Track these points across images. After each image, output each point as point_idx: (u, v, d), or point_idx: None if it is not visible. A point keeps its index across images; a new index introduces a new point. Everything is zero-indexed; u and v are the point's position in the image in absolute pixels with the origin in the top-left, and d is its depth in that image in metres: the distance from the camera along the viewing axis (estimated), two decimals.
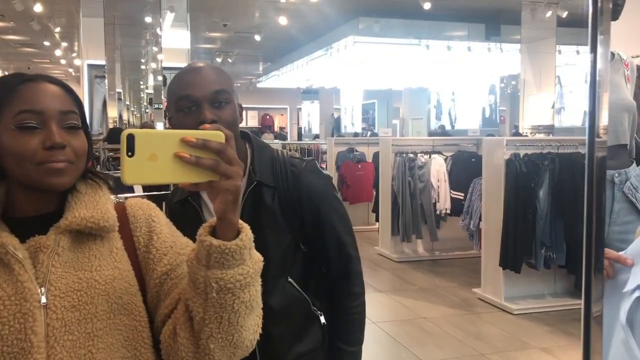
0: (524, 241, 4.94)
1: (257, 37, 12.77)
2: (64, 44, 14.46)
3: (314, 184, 1.57)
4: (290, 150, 1.91)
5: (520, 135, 9.99)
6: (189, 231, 1.17)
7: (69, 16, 11.07)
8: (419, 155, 6.95)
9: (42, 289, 0.99)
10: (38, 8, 9.41)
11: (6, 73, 18.39)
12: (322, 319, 1.61)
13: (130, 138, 0.83)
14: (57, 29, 11.73)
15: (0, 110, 1.02)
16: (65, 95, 1.07)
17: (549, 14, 9.75)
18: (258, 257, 0.99)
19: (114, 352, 1.04)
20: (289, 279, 1.56)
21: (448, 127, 13.75)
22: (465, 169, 6.72)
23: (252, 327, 1.03)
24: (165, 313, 1.09)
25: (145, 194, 3.25)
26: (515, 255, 4.98)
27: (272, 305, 1.50)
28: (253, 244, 0.98)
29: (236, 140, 1.52)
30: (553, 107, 10.06)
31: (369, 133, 15.00)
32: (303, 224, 1.56)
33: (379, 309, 5.23)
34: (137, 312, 1.08)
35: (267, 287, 1.47)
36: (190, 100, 1.41)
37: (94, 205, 1.08)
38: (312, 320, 1.60)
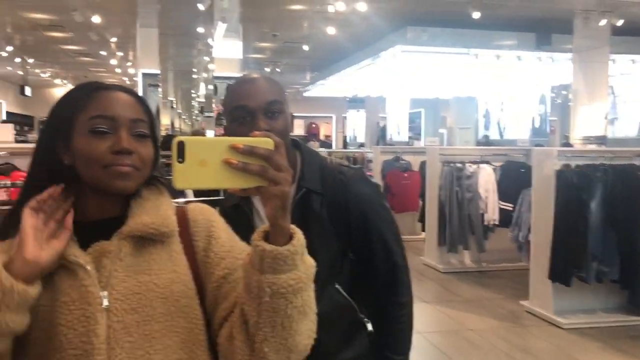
0: (575, 254, 4.84)
1: (305, 47, 12.90)
2: (119, 54, 14.92)
3: (362, 192, 1.59)
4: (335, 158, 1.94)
5: (570, 146, 9.77)
6: (240, 236, 1.21)
7: (125, 27, 11.43)
8: (466, 164, 6.89)
9: (105, 292, 1.02)
10: (96, 19, 9.76)
11: (65, 82, 19.00)
12: (369, 327, 1.62)
13: (181, 145, 0.86)
14: (113, 39, 12.14)
15: (77, 115, 1.08)
16: (136, 104, 1.12)
17: (602, 22, 9.52)
18: (310, 263, 1.00)
19: (171, 353, 1.06)
20: (336, 286, 1.58)
21: (496, 137, 13.55)
22: (515, 179, 6.62)
23: (306, 331, 1.03)
24: (223, 316, 1.10)
25: (197, 199, 3.35)
26: (565, 268, 4.88)
27: (319, 310, 1.54)
28: (305, 249, 0.99)
29: (287, 148, 1.57)
30: (606, 117, 9.81)
31: (414, 142, 14.93)
32: (350, 231, 1.58)
33: (424, 319, 5.21)
34: (194, 315, 1.09)
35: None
36: (245, 111, 1.46)
37: (156, 211, 1.11)
38: (359, 327, 1.62)
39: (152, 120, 1.15)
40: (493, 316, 5.37)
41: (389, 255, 1.61)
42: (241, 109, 1.47)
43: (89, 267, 1.04)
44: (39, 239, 1.00)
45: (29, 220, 1.02)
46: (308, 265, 1.00)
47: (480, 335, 4.84)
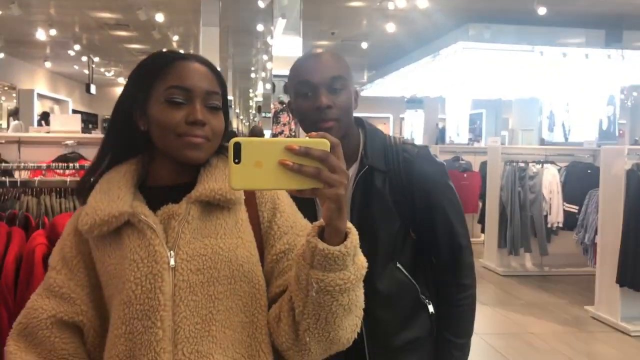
0: None
1: (364, 45, 12.86)
2: (181, 52, 15.28)
3: (426, 171, 1.56)
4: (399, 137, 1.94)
5: None
6: (303, 213, 1.23)
7: (187, 25, 11.69)
8: (530, 164, 6.67)
9: (172, 252, 1.07)
10: (160, 18, 10.01)
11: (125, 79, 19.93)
12: (431, 308, 1.60)
13: (237, 146, 0.87)
14: (175, 38, 12.42)
15: (154, 83, 1.12)
16: (212, 76, 1.16)
17: None
18: (362, 264, 1.01)
19: (233, 315, 1.09)
20: (398, 265, 1.56)
21: (561, 139, 13.11)
22: (580, 181, 6.37)
23: (349, 326, 1.05)
24: (276, 292, 1.13)
25: None
26: (635, 272, 4.65)
27: (380, 289, 1.52)
28: (359, 249, 0.99)
29: (350, 125, 1.54)
30: None
31: (474, 144, 14.63)
32: (414, 210, 1.55)
33: (483, 321, 5.06)
34: (257, 281, 1.13)
35: (375, 271, 1.49)
36: (308, 86, 1.47)
37: (224, 179, 1.14)
38: (420, 308, 1.59)
39: (225, 92, 1.19)
40: (555, 320, 5.17)
41: (452, 236, 1.57)
42: (304, 84, 1.48)
43: (157, 228, 1.08)
44: None
45: None
46: (359, 266, 1.00)
47: (541, 339, 4.67)
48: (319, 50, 1.56)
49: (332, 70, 1.47)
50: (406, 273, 1.57)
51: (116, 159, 1.20)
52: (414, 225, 1.58)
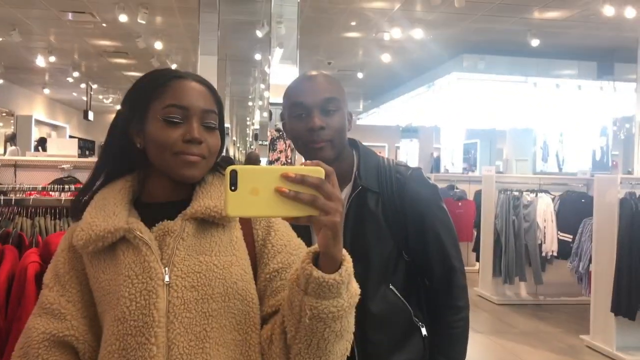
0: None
1: (360, 75, 12.99)
2: (178, 70, 15.38)
3: (419, 192, 1.57)
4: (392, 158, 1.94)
5: None
6: (297, 232, 1.23)
7: (185, 53, 11.81)
8: (524, 193, 6.71)
9: (167, 269, 1.07)
10: (158, 46, 10.12)
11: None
12: (424, 331, 1.59)
13: (234, 173, 0.87)
14: (174, 66, 12.54)
15: (151, 102, 1.14)
16: (209, 95, 1.17)
17: None
18: (355, 291, 1.01)
19: (227, 333, 1.09)
20: (391, 286, 1.56)
21: (554, 170, 13.18)
22: (574, 210, 6.39)
23: (340, 351, 1.05)
24: (269, 312, 1.13)
25: None
26: (629, 301, 4.64)
27: (372, 310, 1.51)
28: (353, 277, 1.00)
29: (343, 146, 1.56)
30: None
31: (469, 174, 14.69)
32: (406, 231, 1.56)
33: (478, 350, 5.03)
34: (250, 299, 1.12)
35: (368, 292, 1.50)
36: (302, 107, 1.49)
37: (219, 196, 1.15)
38: (413, 331, 1.58)
39: (221, 111, 1.20)
40: (550, 349, 5.14)
41: (445, 258, 1.57)
42: (298, 106, 1.50)
43: (152, 244, 1.08)
44: None
45: None
46: (352, 293, 1.00)
47: None
48: (313, 72, 1.57)
49: (325, 92, 1.49)
50: (399, 295, 1.56)
51: (112, 175, 1.21)
52: (406, 247, 1.58)
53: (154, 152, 1.13)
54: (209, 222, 1.13)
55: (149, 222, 1.12)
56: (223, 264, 1.10)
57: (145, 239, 1.08)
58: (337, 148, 1.51)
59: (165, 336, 1.04)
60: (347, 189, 1.56)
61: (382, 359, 1.54)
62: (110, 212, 1.12)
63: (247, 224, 1.18)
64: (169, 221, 1.12)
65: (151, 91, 1.14)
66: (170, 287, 1.06)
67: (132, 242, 1.09)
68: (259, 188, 0.87)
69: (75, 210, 1.20)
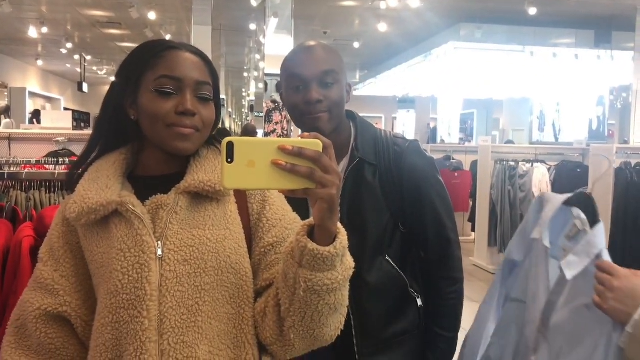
0: (634, 254, 4.65)
1: (356, 45, 12.88)
2: (172, 41, 15.24)
3: (416, 164, 1.57)
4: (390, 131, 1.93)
5: None
6: (293, 206, 1.23)
7: (179, 24, 11.67)
8: (520, 163, 6.71)
9: (159, 242, 1.06)
10: (152, 16, 9.99)
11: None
12: (419, 302, 1.61)
13: (230, 145, 0.86)
14: (168, 36, 12.40)
15: (144, 73, 1.12)
16: (203, 66, 1.15)
17: None
18: (349, 264, 1.01)
19: (219, 307, 1.09)
20: (387, 258, 1.56)
21: (551, 139, 13.18)
22: (570, 179, 6.40)
23: (334, 324, 1.05)
24: (263, 285, 1.13)
25: None
26: (624, 267, 4.69)
27: (368, 281, 1.53)
28: (347, 250, 0.99)
29: (341, 119, 1.56)
30: None
31: (465, 144, 14.68)
32: (403, 203, 1.56)
33: (473, 318, 5.08)
34: (244, 273, 1.12)
35: (364, 263, 1.51)
36: (299, 79, 1.48)
37: (213, 170, 1.14)
38: (409, 302, 1.60)
39: (216, 83, 1.18)
40: None
41: (441, 229, 1.58)
42: (296, 78, 1.49)
43: (145, 218, 1.07)
44: None
45: None
46: (347, 266, 1.00)
47: None
48: (312, 43, 1.55)
49: (323, 64, 1.47)
50: (395, 266, 1.57)
51: (106, 148, 1.19)
52: (403, 219, 1.58)
53: (147, 124, 1.12)
54: (203, 196, 1.12)
55: (143, 196, 1.12)
56: (216, 237, 1.10)
57: (138, 213, 1.07)
58: (334, 120, 1.50)
59: (158, 309, 1.04)
60: (345, 161, 1.56)
61: (378, 330, 1.56)
62: (103, 185, 1.11)
63: (242, 198, 1.18)
64: (162, 195, 1.11)
65: (144, 62, 1.12)
66: (163, 260, 1.06)
67: (124, 216, 1.08)
68: (255, 160, 0.87)
69: (69, 183, 1.19)
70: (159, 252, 1.06)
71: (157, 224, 1.08)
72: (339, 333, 1.08)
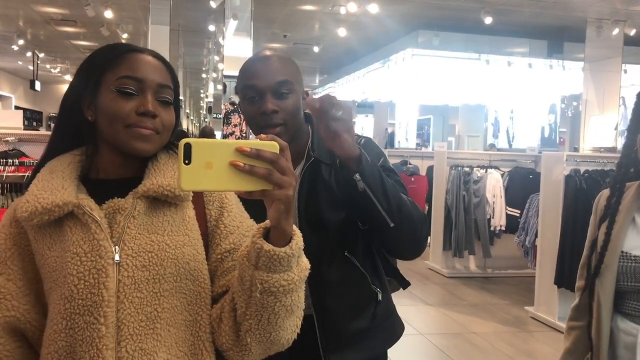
0: (581, 256, 4.79)
1: (316, 49, 12.92)
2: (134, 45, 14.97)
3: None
4: None
5: None
6: (251, 213, 1.23)
7: (136, 23, 11.48)
8: (474, 169, 6.85)
9: (117, 247, 1.05)
10: (108, 14, 9.80)
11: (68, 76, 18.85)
12: (379, 296, 1.62)
13: (188, 147, 0.86)
14: (125, 35, 12.18)
15: (105, 73, 1.11)
16: (165, 70, 1.15)
17: (615, 31, 9.48)
18: (305, 265, 1.02)
19: (177, 314, 1.08)
20: (346, 254, 1.57)
21: (505, 146, 13.49)
22: (523, 185, 6.58)
23: (290, 327, 1.06)
24: (219, 292, 1.13)
25: None
26: (571, 274, 4.82)
27: (329, 278, 1.54)
28: (302, 252, 1.00)
29: (298, 127, 1.56)
30: (616, 128, 9.75)
31: (422, 149, 14.87)
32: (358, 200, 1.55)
33: (428, 322, 5.16)
34: (202, 280, 1.12)
35: (324, 261, 1.51)
36: (254, 90, 1.48)
37: (172, 175, 1.13)
38: (371, 297, 1.61)
39: (177, 88, 1.18)
40: (497, 320, 5.32)
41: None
42: (251, 89, 1.49)
43: (102, 222, 1.05)
44: None
45: None
46: (302, 267, 1.01)
47: (484, 339, 4.80)
48: (267, 53, 1.54)
49: (278, 75, 1.47)
50: (356, 262, 1.57)
51: (60, 149, 1.17)
52: (360, 215, 1.57)
53: (105, 124, 1.10)
54: (161, 201, 1.11)
55: (98, 199, 1.09)
56: (175, 243, 1.09)
57: (95, 216, 1.05)
58: (290, 131, 1.51)
59: (115, 316, 1.02)
60: (302, 164, 1.57)
61: (342, 327, 1.56)
62: (58, 186, 1.08)
63: (199, 204, 1.17)
64: (119, 199, 1.09)
65: (105, 63, 1.11)
66: (121, 266, 1.04)
67: (80, 219, 1.06)
68: (213, 162, 0.86)
69: (28, 184, 1.15)
70: (117, 257, 1.04)
71: (114, 228, 1.06)
72: (295, 337, 1.08)
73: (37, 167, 1.17)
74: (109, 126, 1.10)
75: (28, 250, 1.12)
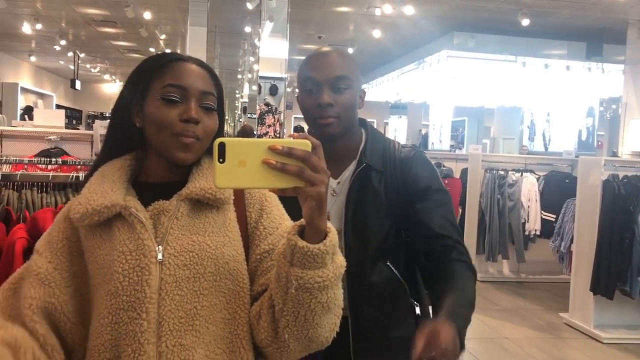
0: (619, 267, 4.70)
1: (350, 50, 12.91)
2: (167, 51, 15.22)
3: (419, 173, 1.59)
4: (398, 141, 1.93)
5: None
6: (292, 216, 1.24)
7: (175, 24, 11.66)
8: (510, 172, 6.77)
9: (160, 247, 1.10)
10: (147, 16, 9.99)
11: (114, 77, 19.36)
12: (417, 310, 1.62)
13: (222, 146, 0.89)
14: (162, 36, 12.39)
15: (152, 82, 1.17)
16: (208, 78, 1.20)
17: None
18: (340, 263, 1.03)
19: (216, 312, 1.12)
20: (388, 263, 1.58)
21: (541, 149, 13.27)
22: (558, 190, 6.48)
23: (328, 325, 1.07)
24: (258, 291, 1.16)
25: None
26: (608, 281, 4.74)
27: (368, 283, 1.55)
28: (338, 249, 1.02)
29: (352, 124, 1.59)
30: None
31: (456, 151, 14.71)
32: (406, 210, 1.57)
33: None
34: (241, 279, 1.15)
35: (365, 267, 1.54)
36: (312, 83, 1.53)
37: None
38: (408, 309, 1.61)
39: (220, 94, 1.22)
40: (530, 326, 5.25)
41: (445, 230, 1.53)
42: (309, 81, 1.54)
43: (147, 222, 1.11)
44: None
45: None
46: (338, 264, 1.02)
47: (516, 344, 4.75)
48: (328, 49, 1.59)
49: (337, 70, 1.52)
50: (396, 272, 1.58)
51: (112, 154, 1.23)
52: (406, 226, 1.59)
53: (152, 131, 1.16)
54: (204, 204, 1.16)
55: (145, 201, 1.15)
56: (216, 244, 1.13)
57: (140, 217, 1.10)
58: (344, 125, 1.54)
59: (157, 312, 1.06)
60: (352, 166, 1.60)
61: (377, 334, 1.57)
62: (108, 189, 1.14)
63: (240, 206, 1.21)
64: (164, 201, 1.14)
65: (152, 71, 1.17)
66: (163, 264, 1.08)
67: (127, 219, 1.11)
68: (246, 160, 0.89)
69: (82, 185, 1.22)
70: (160, 256, 1.09)
71: (158, 228, 1.11)
72: (334, 335, 1.09)
73: (91, 172, 1.23)
74: (156, 133, 1.15)
75: (78, 246, 1.17)
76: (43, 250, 1.17)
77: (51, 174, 2.33)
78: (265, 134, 7.68)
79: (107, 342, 1.08)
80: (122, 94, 1.22)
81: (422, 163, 1.61)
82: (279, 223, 1.22)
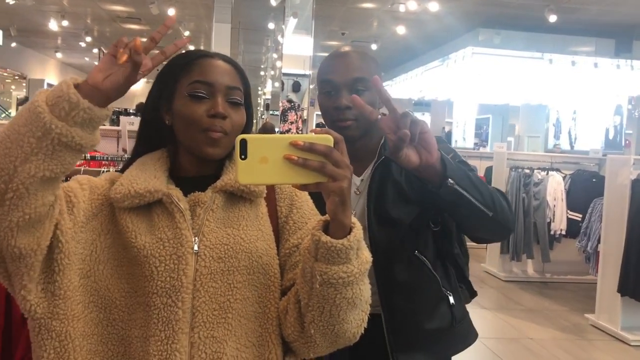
0: None
1: (374, 46, 12.88)
2: (191, 48, 15.30)
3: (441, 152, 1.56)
4: None
5: None
6: (322, 211, 1.25)
7: (198, 21, 11.74)
8: (535, 171, 6.68)
9: (196, 238, 1.10)
10: (172, 12, 10.05)
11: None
12: (451, 299, 1.60)
13: (243, 142, 0.90)
14: (186, 33, 12.47)
15: (179, 79, 1.18)
16: (234, 73, 1.20)
17: None
18: (366, 258, 1.03)
19: (248, 305, 1.13)
20: (416, 254, 1.56)
21: (567, 147, 13.08)
22: (585, 189, 6.37)
23: (355, 321, 1.07)
24: (287, 285, 1.16)
25: None
26: (636, 282, 4.66)
27: (397, 277, 1.54)
28: (363, 244, 1.01)
29: (371, 125, 1.56)
30: None
31: (480, 149, 14.57)
32: (432, 197, 1.52)
33: (483, 325, 5.08)
34: (273, 274, 1.16)
35: (393, 259, 1.52)
36: (330, 85, 1.53)
37: None
38: (441, 299, 1.59)
39: (247, 89, 1.23)
40: (555, 327, 5.19)
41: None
42: (328, 83, 1.54)
43: (186, 213, 1.12)
44: (105, 69, 0.99)
45: (107, 53, 1.04)
46: (363, 260, 1.02)
47: (540, 345, 4.69)
48: (347, 49, 1.58)
49: (355, 71, 1.51)
50: (426, 263, 1.57)
51: (146, 149, 1.23)
52: (433, 216, 1.57)
53: (180, 128, 1.16)
54: (237, 196, 1.17)
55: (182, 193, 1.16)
56: (249, 237, 1.14)
57: (181, 207, 1.11)
58: (363, 127, 1.53)
59: (191, 303, 1.07)
60: (374, 161, 1.58)
61: (411, 327, 1.55)
62: (151, 175, 1.14)
63: (271, 201, 1.22)
64: (200, 192, 1.15)
65: (179, 69, 1.18)
66: (199, 256, 1.09)
67: (167, 207, 1.12)
68: (268, 156, 0.90)
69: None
70: (195, 247, 1.09)
71: (194, 220, 1.12)
72: (362, 331, 1.09)
73: (126, 165, 1.23)
74: (184, 130, 1.15)
75: (98, 213, 1.13)
76: (87, 187, 1.14)
77: (83, 167, 2.36)
78: (288, 130, 7.70)
79: (140, 319, 1.08)
80: (151, 93, 1.23)
81: (441, 145, 1.55)
82: (309, 218, 1.22)
